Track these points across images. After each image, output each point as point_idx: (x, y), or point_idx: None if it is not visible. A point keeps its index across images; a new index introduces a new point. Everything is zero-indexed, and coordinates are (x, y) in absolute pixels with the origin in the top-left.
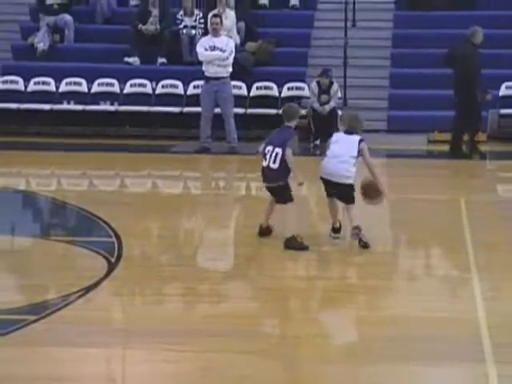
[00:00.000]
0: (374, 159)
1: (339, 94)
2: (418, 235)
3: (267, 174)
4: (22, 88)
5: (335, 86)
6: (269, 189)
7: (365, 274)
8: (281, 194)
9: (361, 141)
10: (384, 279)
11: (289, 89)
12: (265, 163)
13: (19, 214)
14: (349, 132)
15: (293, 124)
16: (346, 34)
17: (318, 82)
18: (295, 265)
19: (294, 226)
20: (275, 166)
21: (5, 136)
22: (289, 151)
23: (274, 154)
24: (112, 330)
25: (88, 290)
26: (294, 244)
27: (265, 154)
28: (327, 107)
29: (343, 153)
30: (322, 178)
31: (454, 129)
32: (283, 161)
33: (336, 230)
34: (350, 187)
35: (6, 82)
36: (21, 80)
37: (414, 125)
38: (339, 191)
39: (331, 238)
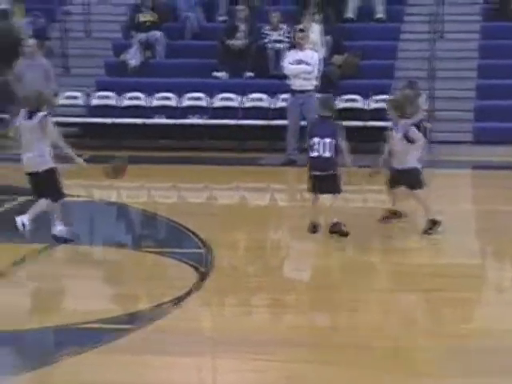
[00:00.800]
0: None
1: (425, 106)
2: (507, 247)
3: (320, 163)
4: (116, 103)
5: (421, 98)
6: (320, 178)
7: (454, 286)
8: (332, 182)
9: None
10: (474, 291)
11: (375, 101)
12: (315, 154)
13: (111, 226)
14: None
15: (329, 113)
16: (432, 46)
17: None
18: (380, 276)
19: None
20: (328, 155)
21: (99, 150)
22: (343, 142)
23: (323, 144)
24: (203, 340)
25: (180, 300)
26: (337, 229)
27: (311, 146)
28: None
29: None
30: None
31: None
32: (335, 150)
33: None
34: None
35: (100, 97)
36: (114, 95)
37: (501, 136)
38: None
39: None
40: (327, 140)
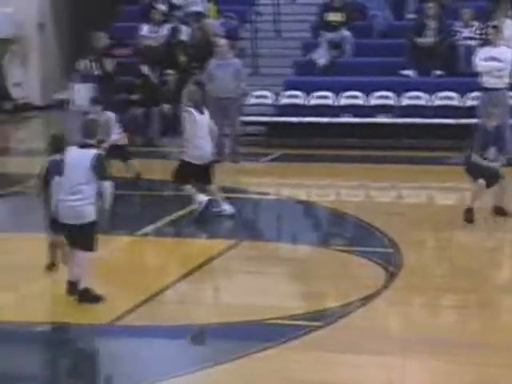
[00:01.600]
0: None
1: None
2: None
3: None
4: (303, 102)
5: None
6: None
7: None
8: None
9: None
10: None
11: None
12: None
13: (300, 224)
14: None
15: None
16: None
17: None
18: None
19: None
20: None
21: (286, 148)
22: None
23: None
24: (390, 339)
25: (368, 298)
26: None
27: None
28: None
29: None
30: None
31: None
32: None
33: None
34: None
35: (288, 96)
36: (302, 94)
37: None
38: None
39: None
40: None
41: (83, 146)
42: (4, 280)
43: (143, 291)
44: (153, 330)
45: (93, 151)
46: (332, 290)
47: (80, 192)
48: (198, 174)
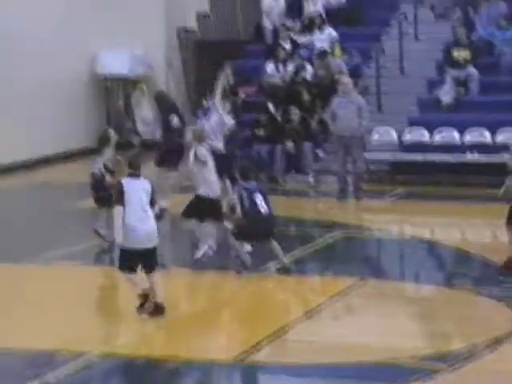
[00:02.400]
0: None
1: None
2: None
3: None
4: (428, 139)
5: None
6: None
7: None
8: None
9: None
10: None
11: None
12: None
13: (424, 263)
14: None
15: None
16: None
17: None
18: None
19: None
20: None
21: (410, 186)
22: None
23: None
24: None
25: (497, 341)
26: None
27: None
28: None
29: None
30: None
31: None
32: None
33: None
34: None
35: (412, 133)
36: (426, 132)
37: None
38: None
39: None
40: None
41: (133, 175)
42: (125, 313)
43: (265, 329)
44: (275, 368)
45: (145, 180)
46: (459, 331)
47: (149, 216)
48: (211, 210)
